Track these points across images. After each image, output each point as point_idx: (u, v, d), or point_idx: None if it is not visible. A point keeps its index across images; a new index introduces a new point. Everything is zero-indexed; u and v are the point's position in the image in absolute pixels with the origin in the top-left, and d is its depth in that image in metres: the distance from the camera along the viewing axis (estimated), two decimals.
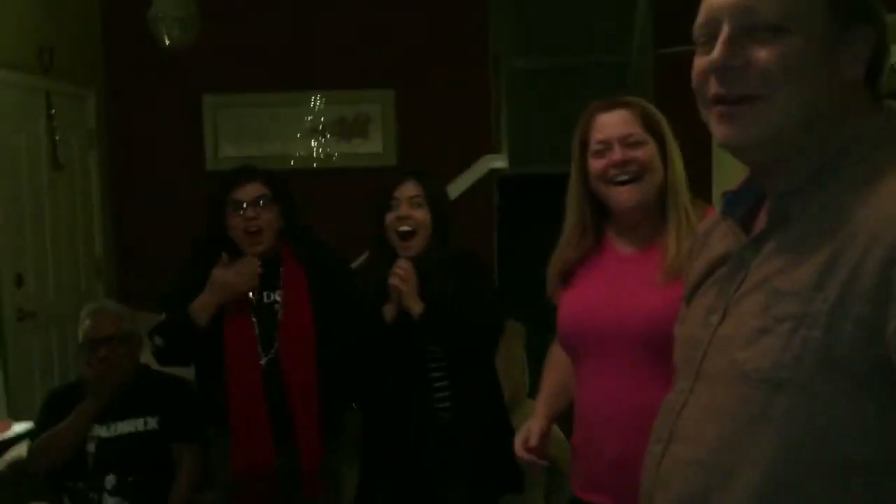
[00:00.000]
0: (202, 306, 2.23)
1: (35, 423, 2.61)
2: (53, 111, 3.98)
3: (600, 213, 1.69)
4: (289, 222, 2.36)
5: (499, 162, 4.68)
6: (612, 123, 1.64)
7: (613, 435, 1.57)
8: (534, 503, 2.65)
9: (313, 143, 4.53)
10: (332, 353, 2.28)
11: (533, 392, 2.14)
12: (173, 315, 2.26)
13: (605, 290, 1.64)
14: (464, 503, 2.15)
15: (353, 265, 2.58)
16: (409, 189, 2.15)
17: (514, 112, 5.81)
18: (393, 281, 2.10)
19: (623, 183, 1.61)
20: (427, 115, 4.44)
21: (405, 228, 2.13)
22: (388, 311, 2.14)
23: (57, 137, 3.98)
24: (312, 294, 2.31)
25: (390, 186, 2.17)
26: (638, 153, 1.61)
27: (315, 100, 4.49)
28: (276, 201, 2.32)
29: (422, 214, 2.14)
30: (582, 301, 1.66)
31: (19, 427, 3.04)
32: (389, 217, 2.15)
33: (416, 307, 2.09)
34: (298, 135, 4.53)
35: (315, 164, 4.48)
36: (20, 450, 2.77)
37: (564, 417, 1.79)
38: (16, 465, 2.73)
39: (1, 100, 3.60)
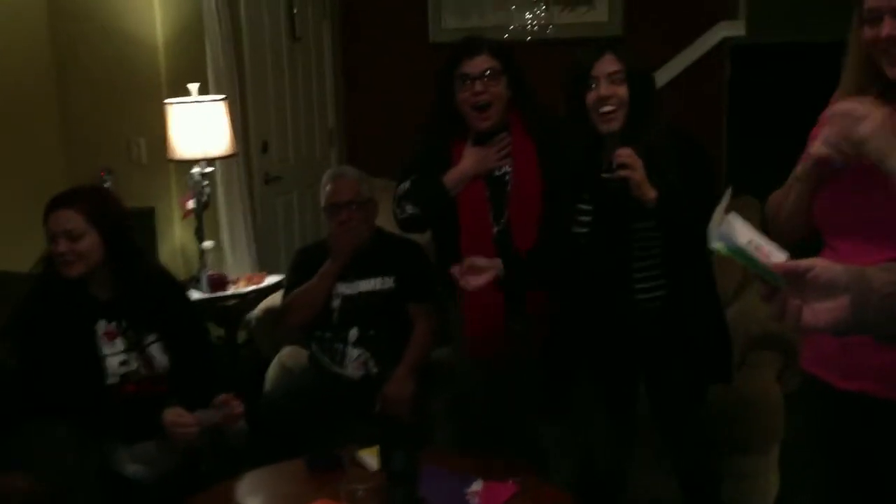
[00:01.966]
0: (458, 178, 2.30)
1: (286, 279, 2.88)
2: None
3: (883, 81, 1.43)
4: (517, 93, 2.32)
5: (734, 30, 4.31)
6: None
7: None
8: (767, 378, 2.59)
9: (534, 13, 4.40)
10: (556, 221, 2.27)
11: None
12: (425, 185, 2.34)
13: (873, 167, 1.41)
14: (673, 389, 2.14)
15: None
16: (607, 65, 2.00)
17: None
18: (622, 173, 1.94)
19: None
20: None
21: (608, 108, 1.98)
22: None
23: (295, 10, 4.17)
24: (542, 165, 2.30)
25: (585, 62, 2.01)
26: None
27: None
28: (504, 73, 2.29)
29: (623, 91, 1.99)
30: (846, 177, 1.46)
31: (271, 279, 3.40)
32: (590, 96, 2.01)
33: (649, 193, 1.94)
34: (514, 6, 4.41)
35: (529, 38, 4.36)
36: (273, 298, 3.10)
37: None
38: (270, 311, 3.07)
39: None
